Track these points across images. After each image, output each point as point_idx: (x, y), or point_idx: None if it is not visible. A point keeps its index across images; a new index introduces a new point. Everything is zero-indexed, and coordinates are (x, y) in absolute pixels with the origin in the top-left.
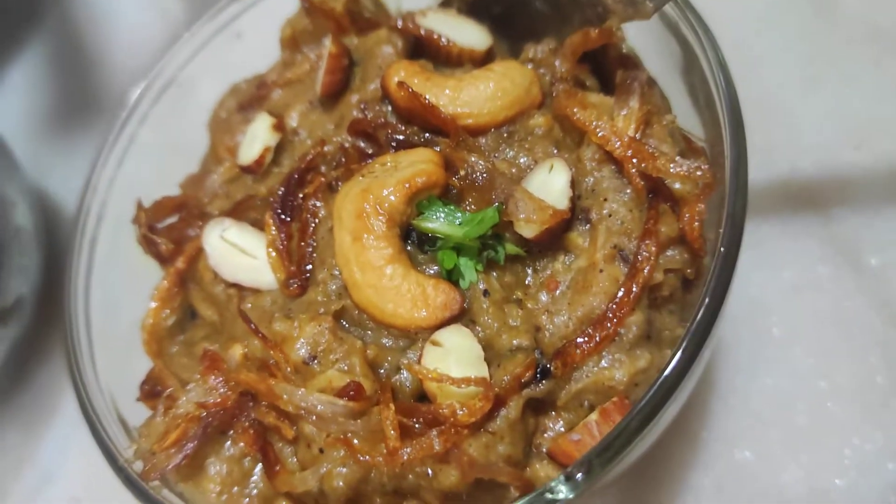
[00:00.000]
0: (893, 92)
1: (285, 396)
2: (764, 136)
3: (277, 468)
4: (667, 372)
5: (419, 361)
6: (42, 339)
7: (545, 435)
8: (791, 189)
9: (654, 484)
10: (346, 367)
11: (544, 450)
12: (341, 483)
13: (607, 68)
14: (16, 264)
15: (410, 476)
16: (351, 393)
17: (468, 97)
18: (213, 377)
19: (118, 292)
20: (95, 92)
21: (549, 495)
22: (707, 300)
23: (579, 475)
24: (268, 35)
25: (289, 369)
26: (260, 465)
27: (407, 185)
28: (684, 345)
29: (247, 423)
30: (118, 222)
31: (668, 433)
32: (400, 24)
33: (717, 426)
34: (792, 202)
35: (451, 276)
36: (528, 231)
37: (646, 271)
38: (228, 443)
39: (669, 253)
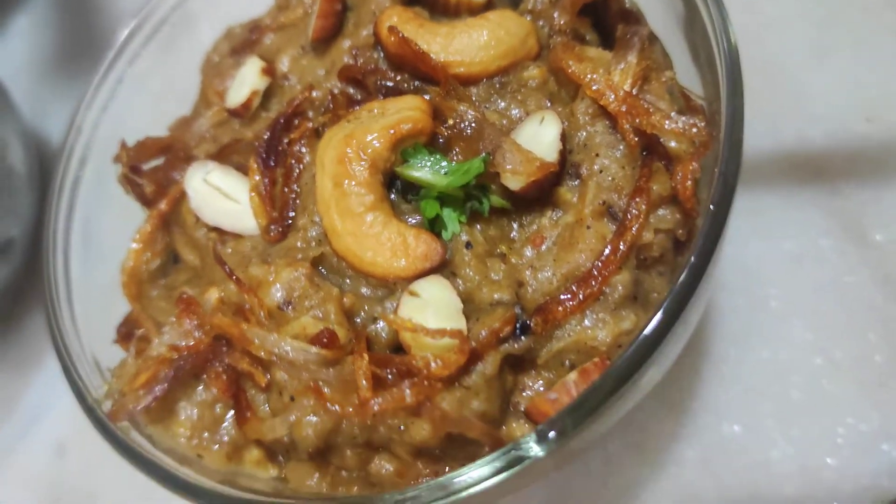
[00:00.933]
0: None
1: (257, 341)
2: (772, 103)
3: (248, 415)
4: (645, 332)
5: (396, 311)
6: (33, 282)
7: (524, 393)
8: (797, 158)
9: (639, 452)
10: (320, 315)
11: (522, 408)
12: (311, 432)
13: (609, 23)
14: (5, 205)
15: (382, 428)
16: (324, 340)
17: (460, 45)
18: (188, 320)
19: (102, 235)
20: (98, 35)
21: (516, 452)
22: (693, 259)
23: (551, 433)
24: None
25: (262, 314)
26: (232, 412)
27: (392, 132)
28: (666, 305)
29: (220, 369)
30: (102, 164)
31: (654, 400)
32: None
33: (707, 396)
34: (798, 172)
35: (434, 227)
36: (515, 183)
37: (634, 229)
38: (201, 387)
39: (661, 212)
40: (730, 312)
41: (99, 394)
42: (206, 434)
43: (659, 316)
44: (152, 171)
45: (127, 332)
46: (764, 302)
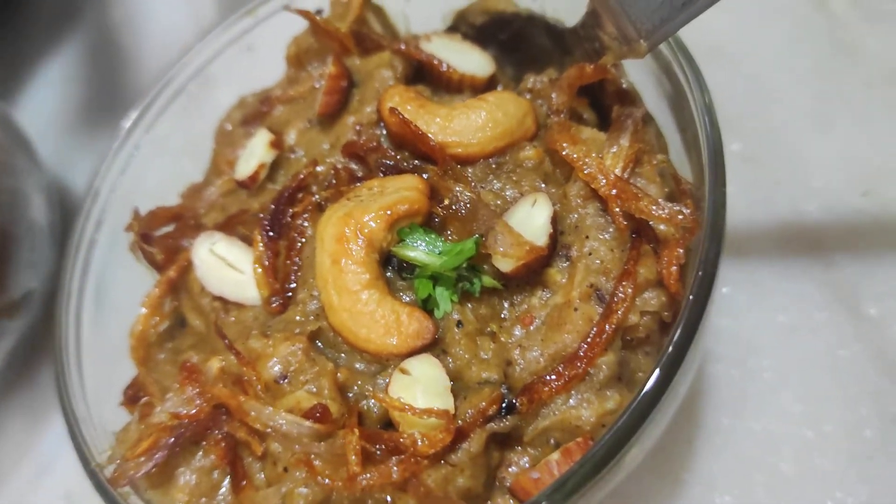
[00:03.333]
0: None
1: (253, 413)
2: (770, 174)
3: (244, 483)
4: (624, 417)
5: (386, 389)
6: (50, 334)
7: (510, 469)
8: (793, 231)
9: None
10: (314, 389)
11: (507, 484)
12: (302, 503)
13: (606, 103)
14: (26, 259)
15: (370, 502)
16: (317, 415)
17: (458, 126)
18: (189, 388)
19: (114, 297)
20: (125, 91)
21: None
22: (670, 349)
23: None
24: (278, 51)
25: (260, 387)
26: (228, 479)
27: (388, 212)
28: (643, 394)
29: (219, 436)
30: (117, 228)
31: (646, 471)
32: (402, 47)
33: (700, 467)
34: (793, 244)
35: (427, 305)
36: (505, 265)
37: (620, 312)
38: (200, 454)
39: (647, 295)
40: (723, 383)
41: (102, 458)
42: (203, 500)
43: (639, 399)
44: (162, 237)
45: (133, 395)
46: (757, 373)
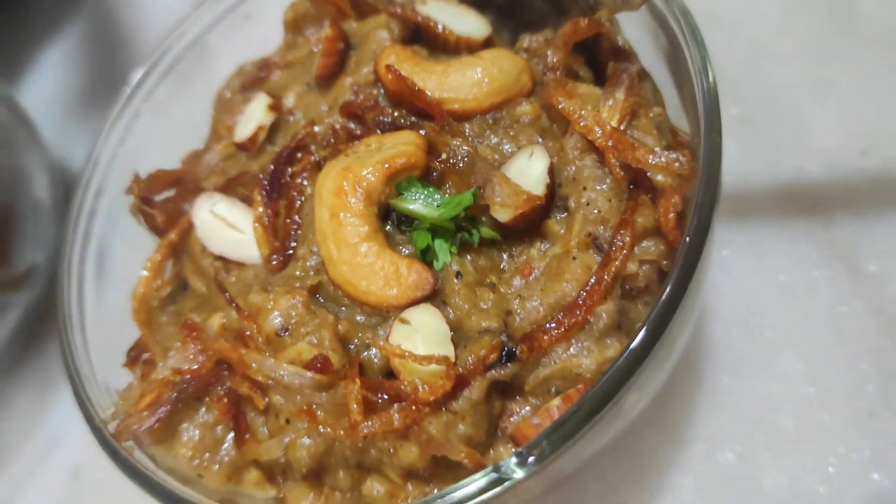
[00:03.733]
0: None
1: (255, 365)
2: (771, 137)
3: (247, 437)
4: (621, 359)
5: (387, 338)
6: (52, 311)
7: (511, 419)
8: (793, 192)
9: (636, 480)
10: (315, 341)
11: (509, 433)
12: (304, 454)
13: (601, 60)
14: (30, 234)
15: (372, 451)
16: (318, 365)
17: (455, 82)
18: (191, 345)
19: (115, 264)
20: (126, 71)
21: (497, 473)
22: (668, 289)
23: (531, 456)
24: (276, 19)
25: (261, 340)
26: (231, 434)
27: (386, 166)
28: (642, 333)
29: (221, 392)
30: (117, 196)
31: (650, 428)
32: (399, 10)
33: (702, 425)
34: (794, 204)
35: (426, 257)
36: (503, 215)
37: (619, 261)
38: (203, 410)
39: (646, 244)
40: (725, 343)
41: (106, 415)
42: (206, 455)
43: (635, 342)
44: (163, 202)
45: (136, 357)
46: (758, 333)
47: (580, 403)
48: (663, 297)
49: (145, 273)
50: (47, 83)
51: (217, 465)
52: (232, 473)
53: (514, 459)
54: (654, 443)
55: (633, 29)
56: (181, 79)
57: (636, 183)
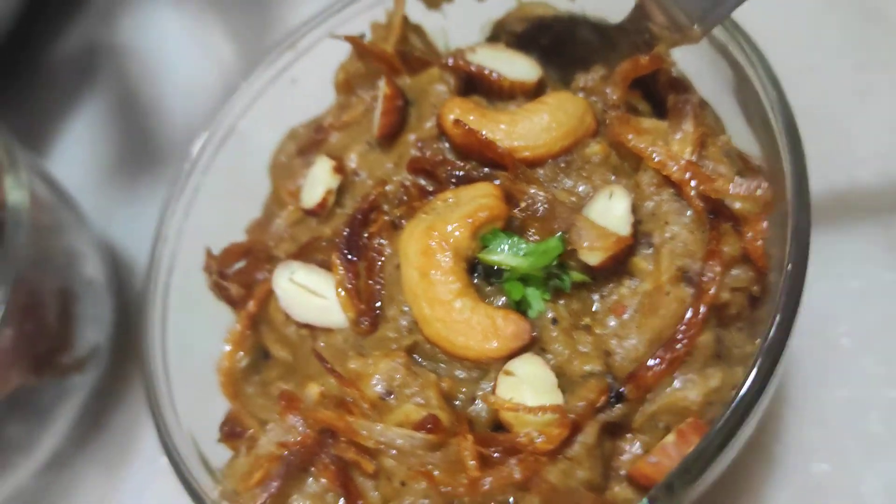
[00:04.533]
0: None
1: (364, 432)
2: (818, 148)
3: (360, 503)
4: (743, 390)
5: (493, 392)
6: (118, 385)
7: (622, 458)
8: (849, 199)
9: (732, 500)
10: (422, 401)
11: (622, 473)
12: None
13: (658, 93)
14: (90, 314)
15: None
16: (428, 426)
17: (523, 130)
18: (291, 416)
19: (193, 338)
20: (155, 142)
21: None
22: (778, 317)
23: (663, 498)
24: (321, 80)
25: (366, 406)
26: (342, 501)
27: (470, 220)
28: (759, 362)
29: (327, 460)
30: (189, 270)
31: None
32: (451, 62)
33: (791, 439)
34: (851, 212)
35: (520, 307)
36: (593, 258)
37: (712, 291)
38: (310, 479)
39: (734, 272)
40: (803, 355)
41: (214, 495)
42: None
43: (754, 373)
44: (237, 273)
45: (230, 431)
46: (835, 340)
47: (708, 440)
48: (776, 323)
49: (228, 346)
50: (75, 156)
51: None
52: None
53: (645, 502)
54: (746, 462)
55: (689, 58)
56: (234, 150)
57: (716, 212)
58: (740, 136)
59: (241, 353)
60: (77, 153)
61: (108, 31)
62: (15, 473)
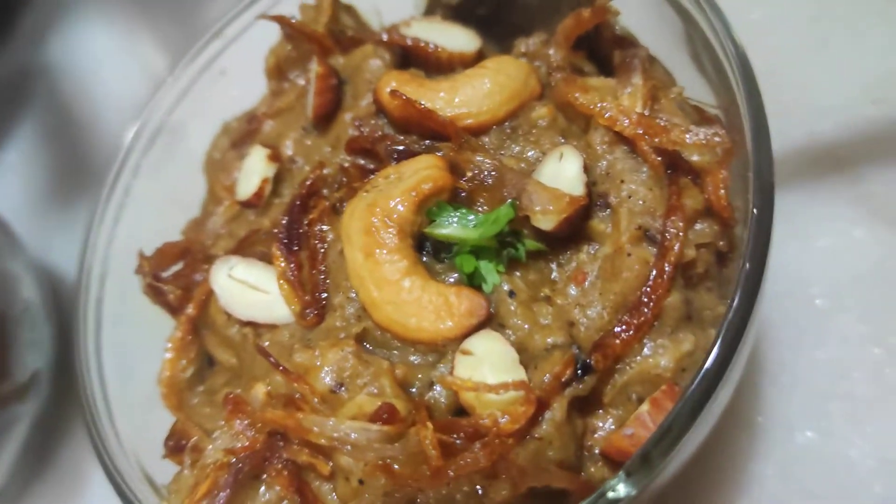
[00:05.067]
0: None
1: (316, 429)
2: (776, 103)
3: None
4: (716, 349)
5: (451, 373)
6: (61, 414)
7: (595, 435)
8: (812, 154)
9: (718, 480)
10: (375, 391)
11: (596, 451)
12: None
13: (603, 51)
14: (28, 339)
15: (458, 496)
16: (384, 416)
17: (465, 97)
18: (238, 421)
19: (131, 350)
20: (90, 162)
21: (610, 494)
22: (748, 265)
23: (639, 470)
24: (252, 71)
25: (316, 400)
26: None
27: (414, 194)
28: (730, 315)
29: (280, 465)
30: (122, 279)
31: (722, 421)
32: (385, 37)
33: (773, 409)
34: (815, 167)
35: (473, 282)
36: (547, 223)
37: (676, 248)
38: (263, 488)
39: (698, 227)
40: (777, 319)
41: None
42: None
43: (724, 328)
44: (174, 277)
45: (175, 445)
46: (809, 302)
47: (681, 405)
48: (745, 273)
49: (169, 355)
50: (10, 182)
51: None
52: None
53: (622, 475)
54: (730, 437)
55: (632, 15)
56: (159, 155)
57: (673, 167)
58: (693, 88)
59: (184, 361)
60: (13, 179)
61: (39, 52)
62: None
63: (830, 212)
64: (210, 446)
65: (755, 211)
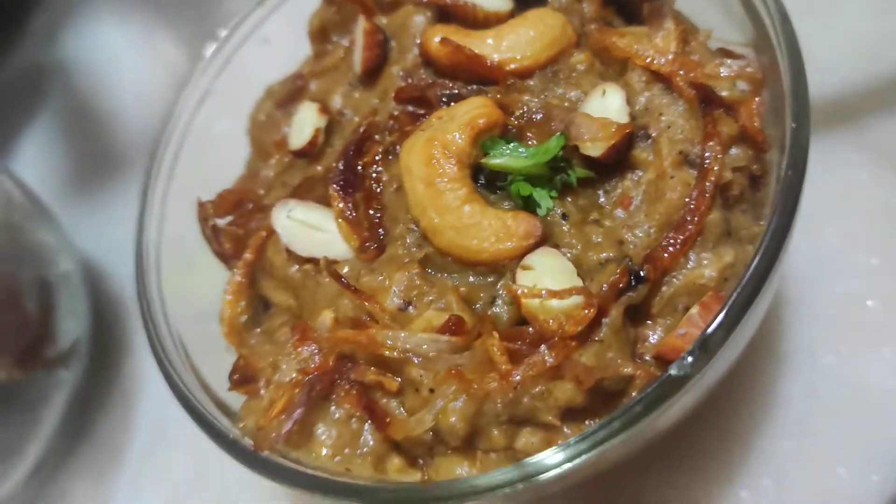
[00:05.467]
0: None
1: (389, 342)
2: None
3: (388, 420)
4: (766, 238)
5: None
6: (99, 385)
7: (646, 343)
8: (819, 107)
9: (748, 401)
10: (442, 306)
11: (647, 357)
12: (457, 418)
13: (632, 7)
14: (69, 307)
15: (525, 399)
16: (452, 327)
17: (510, 43)
18: (305, 347)
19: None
20: (112, 151)
21: (674, 372)
22: (789, 171)
23: (700, 353)
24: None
25: (386, 318)
26: (368, 425)
27: (470, 127)
28: (776, 218)
29: (348, 386)
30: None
31: (751, 350)
32: None
33: (796, 337)
34: (823, 119)
35: (528, 207)
36: (596, 150)
37: (715, 169)
38: (333, 408)
39: (733, 152)
40: (796, 256)
41: (235, 433)
42: (347, 450)
43: (772, 227)
44: (229, 226)
45: (241, 378)
46: (826, 240)
47: (741, 286)
48: (786, 179)
49: (228, 297)
50: (28, 175)
51: (360, 459)
52: (376, 463)
53: (687, 357)
54: (756, 365)
55: None
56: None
57: (707, 101)
58: (720, 30)
59: (243, 303)
60: (31, 170)
61: (53, 50)
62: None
63: (840, 158)
64: (283, 367)
65: (793, 126)
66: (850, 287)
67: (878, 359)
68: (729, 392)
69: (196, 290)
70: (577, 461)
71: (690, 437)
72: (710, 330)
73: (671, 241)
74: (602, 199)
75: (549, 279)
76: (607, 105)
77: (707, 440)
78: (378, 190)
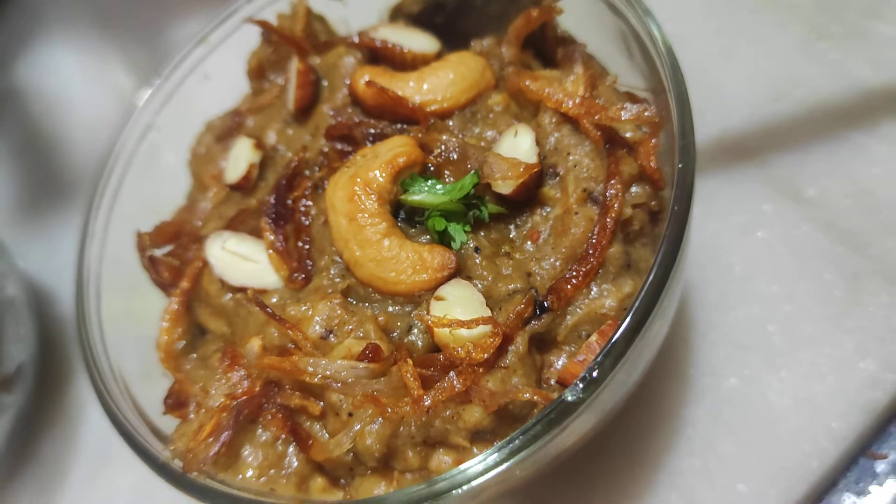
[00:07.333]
0: (798, 48)
1: (310, 369)
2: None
3: (311, 442)
4: (655, 267)
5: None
6: (43, 409)
7: (552, 369)
8: (725, 144)
9: (654, 424)
10: (361, 335)
11: (552, 382)
12: (373, 440)
13: (548, 51)
14: (13, 332)
15: (437, 422)
16: (370, 355)
17: (431, 85)
18: (235, 373)
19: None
20: (61, 178)
21: (569, 398)
22: (675, 207)
23: (591, 379)
24: (232, 75)
25: (309, 346)
26: (292, 447)
27: (390, 166)
28: (665, 245)
29: (274, 409)
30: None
31: (658, 374)
32: (356, 39)
33: (702, 361)
34: (728, 156)
35: (443, 241)
36: (506, 188)
37: (616, 206)
38: (259, 430)
39: (633, 190)
40: (702, 285)
41: (165, 455)
42: (272, 471)
43: (661, 254)
44: (167, 256)
45: (174, 403)
46: (729, 269)
47: (630, 315)
48: (672, 214)
49: (165, 324)
50: None
51: (285, 479)
52: (300, 483)
53: (579, 384)
54: (664, 388)
55: (572, 19)
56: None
57: (611, 141)
58: (625, 77)
59: (179, 329)
60: None
61: (6, 76)
62: None
63: (743, 192)
64: (212, 392)
65: (680, 165)
66: (752, 312)
67: (777, 379)
68: (639, 413)
69: (140, 315)
70: (482, 478)
71: (601, 458)
72: (599, 357)
73: (574, 273)
74: (513, 234)
75: (459, 309)
76: (518, 145)
77: (618, 459)
78: (307, 223)
